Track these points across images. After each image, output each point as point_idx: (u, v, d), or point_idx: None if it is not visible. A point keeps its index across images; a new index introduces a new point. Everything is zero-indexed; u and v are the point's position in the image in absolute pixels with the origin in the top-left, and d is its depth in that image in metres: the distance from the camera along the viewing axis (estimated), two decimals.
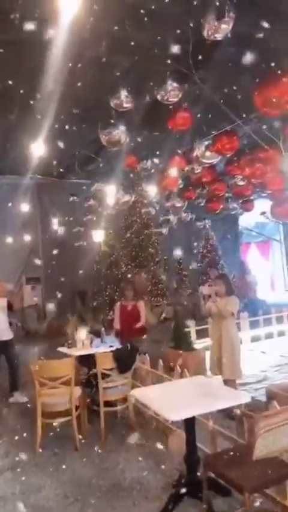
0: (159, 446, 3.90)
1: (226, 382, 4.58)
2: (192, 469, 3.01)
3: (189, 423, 2.99)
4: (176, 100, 5.59)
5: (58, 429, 4.27)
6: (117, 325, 6.19)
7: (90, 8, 4.11)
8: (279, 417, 2.35)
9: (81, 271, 10.94)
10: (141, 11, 4.81)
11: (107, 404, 4.36)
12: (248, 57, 5.17)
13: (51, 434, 4.26)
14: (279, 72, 4.81)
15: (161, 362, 4.86)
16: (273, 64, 4.95)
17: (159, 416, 4.04)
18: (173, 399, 3.01)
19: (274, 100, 4.69)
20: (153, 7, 4.77)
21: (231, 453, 2.66)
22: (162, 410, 2.85)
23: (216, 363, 4.77)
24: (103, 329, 5.55)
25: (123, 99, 5.61)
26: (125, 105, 5.68)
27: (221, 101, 6.13)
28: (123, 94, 5.57)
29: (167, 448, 3.83)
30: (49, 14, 4.19)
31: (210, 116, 6.61)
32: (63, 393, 4.04)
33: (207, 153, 6.55)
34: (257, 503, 2.87)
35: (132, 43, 5.29)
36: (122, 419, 4.65)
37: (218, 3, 4.09)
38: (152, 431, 4.29)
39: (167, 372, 4.78)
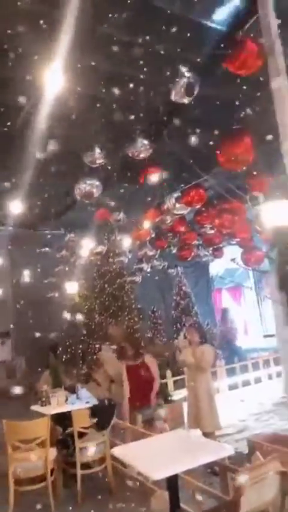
0: (141, 509, 3.70)
1: (205, 435, 4.48)
2: None
3: (172, 482, 2.88)
4: (145, 156, 5.88)
5: (32, 496, 3.98)
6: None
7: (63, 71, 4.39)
8: (261, 469, 2.32)
9: (53, 324, 10.69)
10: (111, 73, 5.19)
11: (84, 465, 4.14)
12: (212, 117, 5.59)
13: (25, 501, 3.96)
14: (240, 130, 5.21)
15: (139, 416, 4.72)
16: (235, 124, 5.37)
17: (140, 476, 3.86)
18: (154, 456, 2.91)
19: (236, 157, 5.01)
20: (123, 71, 5.15)
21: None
22: (144, 469, 2.74)
23: (195, 416, 4.67)
24: (78, 384, 5.36)
25: (96, 156, 5.85)
26: (97, 161, 5.91)
27: (190, 157, 6.51)
28: (97, 150, 5.81)
29: (149, 510, 3.63)
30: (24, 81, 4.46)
31: (179, 170, 6.96)
32: (37, 456, 3.82)
33: (178, 205, 6.82)
34: None
35: (103, 103, 5.64)
36: (100, 481, 4.40)
37: (186, 77, 4.46)
38: (133, 493, 4.07)
39: (145, 427, 4.63)
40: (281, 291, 2.72)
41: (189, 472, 3.25)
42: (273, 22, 4.47)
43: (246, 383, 8.44)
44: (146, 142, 5.81)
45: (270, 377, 8.74)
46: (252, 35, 4.47)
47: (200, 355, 4.70)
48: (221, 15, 4.91)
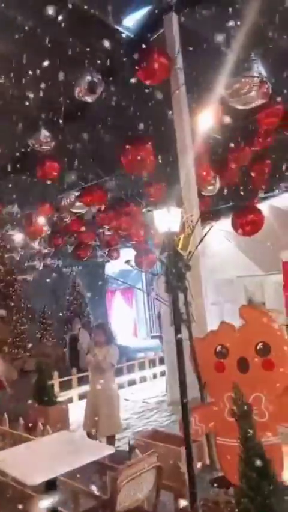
0: None
1: (107, 439, 4.47)
2: None
3: (50, 486, 2.80)
4: (47, 149, 5.68)
5: None
6: None
7: None
8: (139, 465, 2.40)
9: None
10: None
11: None
12: (118, 120, 5.67)
13: None
14: (143, 136, 5.37)
15: (21, 420, 4.50)
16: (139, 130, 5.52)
17: (18, 482, 3.68)
18: (33, 460, 2.81)
19: (139, 161, 5.14)
20: (29, 58, 4.91)
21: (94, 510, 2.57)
22: (19, 475, 2.62)
23: (93, 420, 4.62)
24: None
25: None
26: None
27: (92, 156, 6.49)
28: None
29: None
30: None
31: (80, 168, 6.88)
32: None
33: (76, 203, 6.74)
34: None
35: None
36: None
37: (90, 76, 4.44)
38: (8, 501, 3.86)
39: (27, 431, 4.43)
40: (168, 293, 2.87)
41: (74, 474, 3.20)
42: (176, 37, 4.73)
43: (132, 383, 8.68)
44: (48, 134, 5.62)
45: (155, 376, 9.12)
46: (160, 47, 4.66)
47: (103, 355, 4.70)
48: (130, 22, 5.02)
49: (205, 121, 4.84)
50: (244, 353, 4.06)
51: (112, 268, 17.49)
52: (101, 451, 3.00)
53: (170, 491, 2.76)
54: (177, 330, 2.86)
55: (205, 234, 4.54)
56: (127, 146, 5.03)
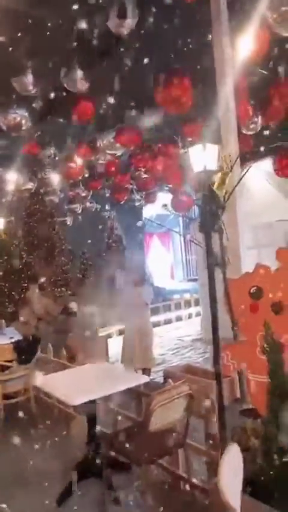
0: (63, 434, 3.94)
1: (142, 371, 4.78)
2: (94, 450, 3.12)
3: (90, 407, 3.09)
4: (81, 89, 5.54)
5: None
6: None
7: None
8: (171, 392, 2.58)
9: None
10: None
11: (8, 396, 4.25)
12: (151, 55, 5.37)
13: None
14: (179, 70, 5.08)
15: (63, 350, 4.87)
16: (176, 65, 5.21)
17: (61, 404, 4.07)
18: (74, 385, 3.08)
19: (175, 97, 4.93)
20: None
21: (129, 430, 2.83)
22: (63, 397, 2.90)
23: (129, 354, 4.92)
24: (3, 320, 5.35)
25: (28, 81, 5.38)
26: (29, 88, 5.45)
27: (126, 94, 6.25)
28: (29, 76, 5.34)
29: (70, 434, 3.88)
30: None
31: (115, 107, 6.69)
32: None
33: (111, 144, 6.64)
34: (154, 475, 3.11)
35: (33, 22, 5.11)
36: (24, 411, 4.58)
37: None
38: (54, 421, 4.31)
39: (69, 360, 4.81)
40: (201, 233, 2.87)
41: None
42: None
43: (168, 321, 9.02)
44: (82, 72, 5.44)
45: (190, 316, 9.40)
46: None
47: (138, 294, 4.90)
48: None
49: (248, 48, 4.49)
50: (279, 294, 4.09)
51: (150, 212, 17.50)
52: (137, 379, 3.23)
53: (201, 418, 2.96)
54: (210, 269, 2.89)
55: (243, 174, 4.40)
56: (162, 82, 4.81)
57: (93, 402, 3.04)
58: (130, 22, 4.34)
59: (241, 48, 4.40)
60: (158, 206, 12.67)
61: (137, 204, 13.32)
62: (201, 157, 2.71)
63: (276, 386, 2.39)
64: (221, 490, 1.43)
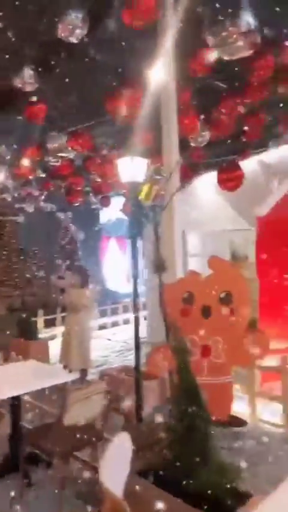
0: None
1: (80, 372, 4.87)
2: (15, 447, 3.19)
3: (14, 404, 3.17)
4: (31, 89, 5.59)
5: None
6: None
7: None
8: (88, 389, 2.72)
9: None
10: None
11: None
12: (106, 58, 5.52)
13: None
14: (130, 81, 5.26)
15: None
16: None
17: None
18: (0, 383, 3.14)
19: (122, 107, 5.10)
20: None
21: (47, 426, 2.94)
22: None
23: (65, 354, 5.01)
24: None
25: None
26: None
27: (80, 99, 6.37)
28: None
29: None
30: None
31: (68, 111, 6.78)
32: None
33: (62, 147, 6.72)
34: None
35: None
36: None
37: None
38: None
39: (4, 361, 4.83)
40: (130, 240, 3.02)
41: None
42: None
43: (115, 324, 9.16)
44: (32, 73, 5.50)
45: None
46: None
47: (77, 297, 4.98)
48: None
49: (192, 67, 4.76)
50: (208, 300, 4.36)
51: (109, 215, 17.58)
52: (61, 377, 3.34)
53: (122, 414, 3.13)
54: (134, 280, 3.06)
55: (181, 186, 4.64)
56: (111, 91, 4.97)
57: (17, 398, 3.13)
58: (79, 32, 4.47)
59: (185, 67, 4.66)
60: (118, 209, 12.82)
61: (93, 206, 13.41)
62: (129, 168, 2.88)
63: (184, 385, 2.59)
64: (101, 479, 1.57)
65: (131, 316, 9.53)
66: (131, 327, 9.19)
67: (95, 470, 3.16)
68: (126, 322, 9.38)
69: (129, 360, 7.16)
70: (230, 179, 5.81)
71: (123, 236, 20.39)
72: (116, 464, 1.63)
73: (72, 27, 4.51)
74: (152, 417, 3.30)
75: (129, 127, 6.38)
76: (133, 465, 1.77)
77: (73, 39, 4.61)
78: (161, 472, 2.48)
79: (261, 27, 4.53)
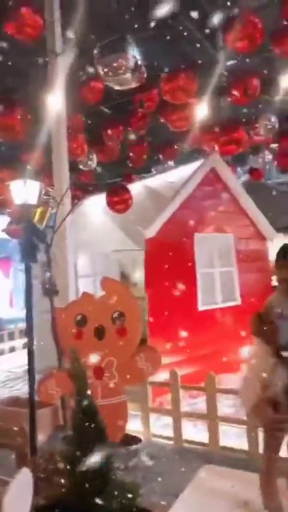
0: None
1: None
2: None
3: None
4: None
5: None
6: None
7: None
8: None
9: None
10: None
11: None
12: None
13: None
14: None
15: None
16: None
17: None
18: None
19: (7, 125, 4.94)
20: None
21: None
22: None
23: None
24: None
25: None
26: None
27: None
28: None
29: None
30: None
31: None
32: None
33: None
34: None
35: None
36: None
37: None
38: None
39: None
40: (24, 264, 2.91)
41: None
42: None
43: (0, 352, 8.55)
44: None
45: (25, 346, 9.10)
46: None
47: None
48: None
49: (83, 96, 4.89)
50: (101, 321, 4.39)
51: None
52: None
53: (13, 450, 2.93)
54: (28, 304, 2.96)
55: (71, 210, 4.67)
56: None
57: None
58: None
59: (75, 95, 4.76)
60: None
61: None
62: (22, 191, 2.81)
63: (81, 408, 2.55)
64: None
65: (17, 343, 8.99)
66: (17, 355, 8.71)
67: None
68: (12, 350, 8.81)
69: (16, 389, 6.73)
70: (119, 202, 6.03)
71: (7, 258, 19.34)
72: (18, 502, 1.54)
73: None
74: (46, 446, 3.17)
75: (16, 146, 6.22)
76: (34, 500, 1.69)
77: None
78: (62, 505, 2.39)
79: (148, 63, 4.90)
